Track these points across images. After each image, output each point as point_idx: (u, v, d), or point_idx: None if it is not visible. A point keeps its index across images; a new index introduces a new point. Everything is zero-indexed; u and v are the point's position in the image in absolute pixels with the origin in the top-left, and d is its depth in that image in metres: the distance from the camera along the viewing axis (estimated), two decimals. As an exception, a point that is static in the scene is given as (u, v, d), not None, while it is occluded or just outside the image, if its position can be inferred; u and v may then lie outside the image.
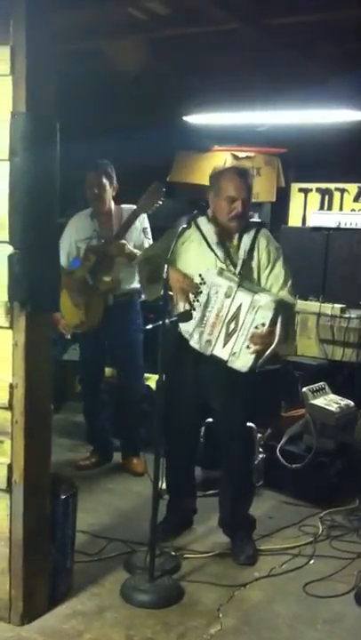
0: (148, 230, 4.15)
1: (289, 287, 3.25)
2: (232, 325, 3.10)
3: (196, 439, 3.78)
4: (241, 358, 3.10)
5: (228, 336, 3.11)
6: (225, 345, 3.13)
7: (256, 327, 3.05)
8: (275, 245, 3.30)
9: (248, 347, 3.07)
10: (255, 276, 3.23)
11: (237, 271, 3.17)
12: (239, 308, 3.08)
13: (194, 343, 3.18)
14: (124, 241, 4.00)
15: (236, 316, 3.09)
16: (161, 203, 3.90)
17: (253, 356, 3.08)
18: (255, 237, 3.24)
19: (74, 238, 4.19)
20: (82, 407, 4.54)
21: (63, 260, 4.01)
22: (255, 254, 3.23)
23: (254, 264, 3.23)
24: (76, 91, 4.59)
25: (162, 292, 3.12)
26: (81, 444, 4.62)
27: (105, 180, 4.11)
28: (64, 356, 5.18)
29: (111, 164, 4.16)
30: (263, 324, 3.04)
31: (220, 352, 3.14)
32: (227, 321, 3.11)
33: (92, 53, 4.72)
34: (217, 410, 3.38)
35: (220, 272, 3.14)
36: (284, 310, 3.10)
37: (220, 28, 4.17)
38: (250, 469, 3.65)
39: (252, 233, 3.25)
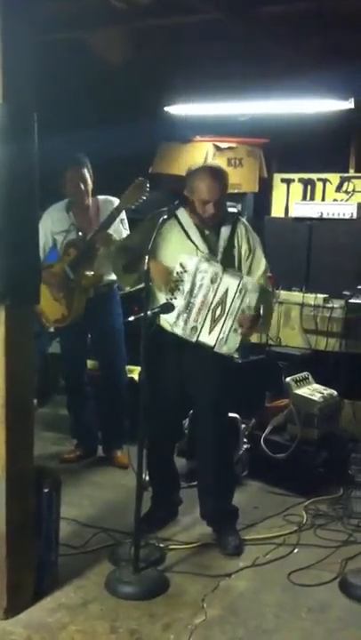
0: (125, 221, 4.15)
1: (266, 276, 3.35)
2: (218, 311, 3.16)
3: (178, 432, 3.77)
4: (229, 342, 3.18)
5: (215, 322, 3.17)
6: (211, 331, 3.18)
7: (243, 310, 3.14)
8: (253, 234, 3.36)
9: (235, 330, 3.16)
10: (236, 264, 3.28)
11: (218, 259, 3.21)
12: (226, 292, 3.14)
13: (178, 330, 3.18)
14: (110, 231, 3.99)
15: (222, 301, 3.15)
16: (145, 198, 3.89)
17: (240, 338, 3.18)
18: (234, 227, 3.29)
19: (50, 229, 4.16)
20: (66, 401, 4.53)
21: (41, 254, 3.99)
22: (235, 243, 3.28)
23: (235, 252, 3.28)
24: (56, 82, 4.55)
25: (140, 284, 3.14)
26: (66, 437, 4.60)
27: (87, 175, 4.11)
28: (49, 350, 5.15)
29: (87, 157, 4.14)
30: (250, 307, 3.14)
31: (206, 338, 3.18)
32: (212, 306, 3.16)
33: (73, 44, 4.68)
34: (195, 401, 3.37)
35: (205, 259, 3.18)
36: (266, 294, 3.23)
37: (201, 18, 4.15)
38: (229, 460, 3.64)
39: (230, 223, 3.29)
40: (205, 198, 3.16)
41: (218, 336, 3.16)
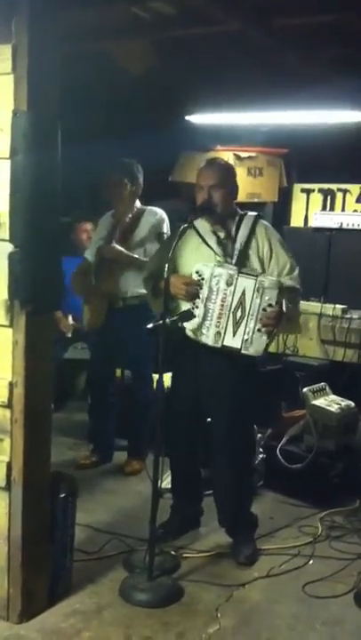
0: (164, 237, 4.14)
1: (295, 276, 3.28)
2: (239, 313, 3.13)
3: (199, 440, 3.75)
4: (254, 343, 3.13)
5: (237, 324, 3.14)
6: (235, 334, 3.15)
7: (264, 309, 3.10)
8: (274, 235, 3.33)
9: (259, 330, 3.11)
10: (257, 266, 3.24)
11: (234, 262, 3.19)
12: (243, 293, 3.12)
13: (204, 339, 3.17)
14: (114, 244, 4.03)
15: (241, 303, 3.12)
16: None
17: (265, 338, 3.13)
18: (253, 228, 3.26)
19: (97, 237, 4.28)
20: (86, 406, 4.53)
21: (90, 258, 4.25)
22: (254, 244, 3.25)
23: (254, 254, 3.25)
24: (79, 91, 4.59)
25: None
26: (81, 442, 4.62)
27: (125, 180, 4.13)
28: (65, 355, 5.18)
29: (137, 163, 4.19)
30: (270, 305, 3.09)
31: (231, 342, 3.15)
32: (232, 309, 3.13)
33: (96, 53, 4.72)
34: (215, 407, 3.32)
35: (219, 264, 3.16)
36: (288, 292, 3.17)
37: (224, 29, 4.17)
38: (249, 468, 3.63)
39: (249, 224, 3.27)
40: (198, 182, 3.23)
41: (242, 338, 3.13)
